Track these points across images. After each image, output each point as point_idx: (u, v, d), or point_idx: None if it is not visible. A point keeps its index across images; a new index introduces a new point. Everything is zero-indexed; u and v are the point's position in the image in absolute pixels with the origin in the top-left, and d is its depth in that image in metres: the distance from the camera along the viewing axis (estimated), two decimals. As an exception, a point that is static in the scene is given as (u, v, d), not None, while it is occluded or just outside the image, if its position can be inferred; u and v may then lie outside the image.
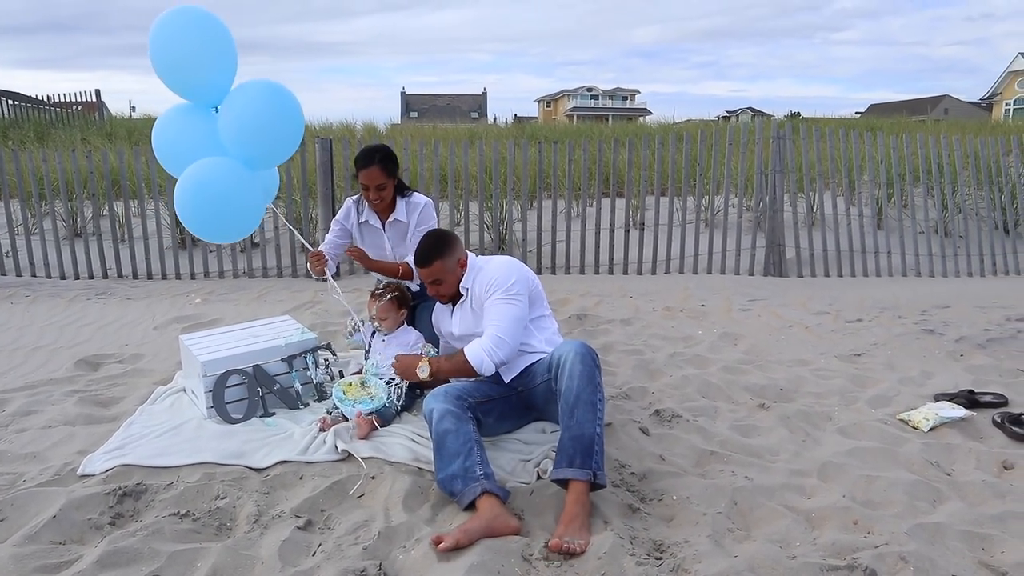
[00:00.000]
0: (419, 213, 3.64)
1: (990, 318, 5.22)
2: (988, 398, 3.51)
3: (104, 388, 3.77)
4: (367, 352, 3.41)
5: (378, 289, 3.41)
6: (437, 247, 2.92)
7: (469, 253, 3.06)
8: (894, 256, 7.95)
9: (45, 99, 18.68)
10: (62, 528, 2.35)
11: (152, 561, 2.17)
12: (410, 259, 3.70)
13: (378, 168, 3.47)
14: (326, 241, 3.81)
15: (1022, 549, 2.28)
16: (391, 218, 3.66)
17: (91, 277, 7.41)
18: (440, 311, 3.21)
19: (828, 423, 3.33)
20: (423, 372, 2.88)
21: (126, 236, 7.64)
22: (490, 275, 2.90)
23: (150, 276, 7.43)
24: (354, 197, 3.77)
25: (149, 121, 19.37)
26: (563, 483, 2.47)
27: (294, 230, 4.13)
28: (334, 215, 7.33)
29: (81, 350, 4.56)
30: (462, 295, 3.01)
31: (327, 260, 3.62)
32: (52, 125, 16.89)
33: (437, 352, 3.24)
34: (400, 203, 3.65)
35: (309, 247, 3.81)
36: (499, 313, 2.82)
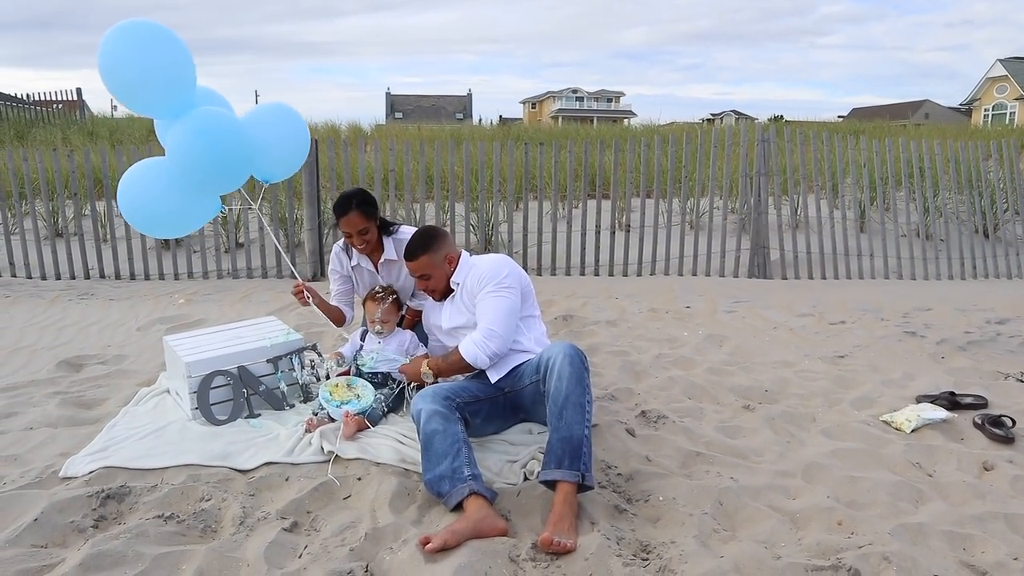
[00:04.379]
0: None
1: (970, 321, 5.29)
2: (969, 400, 3.55)
3: (87, 389, 3.73)
4: (358, 352, 3.40)
5: (378, 292, 3.40)
6: (423, 242, 2.98)
7: (464, 252, 3.09)
8: (876, 259, 8.04)
9: (25, 97, 18.46)
10: (44, 531, 2.33)
11: (136, 564, 2.15)
12: (413, 302, 3.73)
13: (357, 213, 3.37)
14: (332, 293, 3.76)
15: (1002, 549, 2.31)
16: (382, 259, 3.60)
17: (73, 277, 7.34)
18: (431, 306, 3.23)
19: (812, 424, 3.36)
20: (428, 379, 2.96)
21: (108, 236, 7.56)
22: (482, 270, 2.93)
23: (133, 276, 7.36)
24: (340, 243, 3.71)
25: (131, 120, 19.21)
26: (551, 484, 2.47)
27: (290, 265, 4.10)
28: (319, 215, 7.35)
29: (63, 351, 4.51)
30: (453, 290, 3.04)
31: (337, 309, 3.70)
32: (32, 124, 16.71)
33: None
34: (387, 242, 3.57)
35: (298, 277, 3.80)
36: (491, 306, 2.86)
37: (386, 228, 3.56)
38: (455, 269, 3.03)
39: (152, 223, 3.32)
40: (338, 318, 3.70)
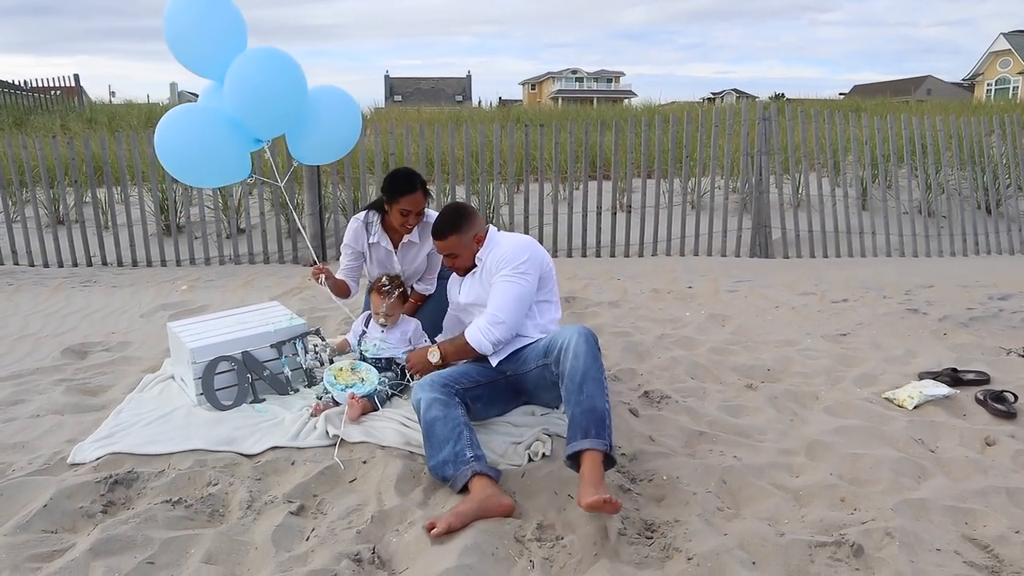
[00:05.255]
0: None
1: (972, 297, 5.29)
2: (971, 376, 3.56)
3: (92, 376, 3.75)
4: (361, 338, 3.42)
5: (384, 285, 3.36)
6: (453, 223, 2.93)
7: (491, 227, 3.05)
8: (878, 236, 8.02)
9: (23, 84, 18.36)
10: (53, 517, 2.35)
11: (145, 548, 2.18)
12: (420, 286, 3.76)
13: (421, 193, 3.45)
14: (341, 267, 3.78)
15: (1004, 523, 2.33)
16: (404, 240, 3.64)
17: (75, 265, 7.35)
18: (453, 279, 3.22)
19: (815, 402, 3.37)
20: (434, 357, 2.91)
21: (110, 223, 7.56)
22: (503, 251, 2.89)
23: (135, 263, 7.37)
24: (360, 216, 3.72)
25: (129, 106, 19.15)
26: (575, 459, 2.41)
27: (311, 248, 4.09)
28: (320, 200, 7.33)
29: (67, 339, 4.53)
30: (476, 266, 3.01)
31: (343, 283, 3.71)
32: (30, 111, 16.63)
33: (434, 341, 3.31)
34: None
35: (317, 260, 3.82)
36: (501, 292, 2.83)
37: None
38: (482, 248, 2.99)
39: (185, 165, 3.32)
40: (344, 292, 3.72)
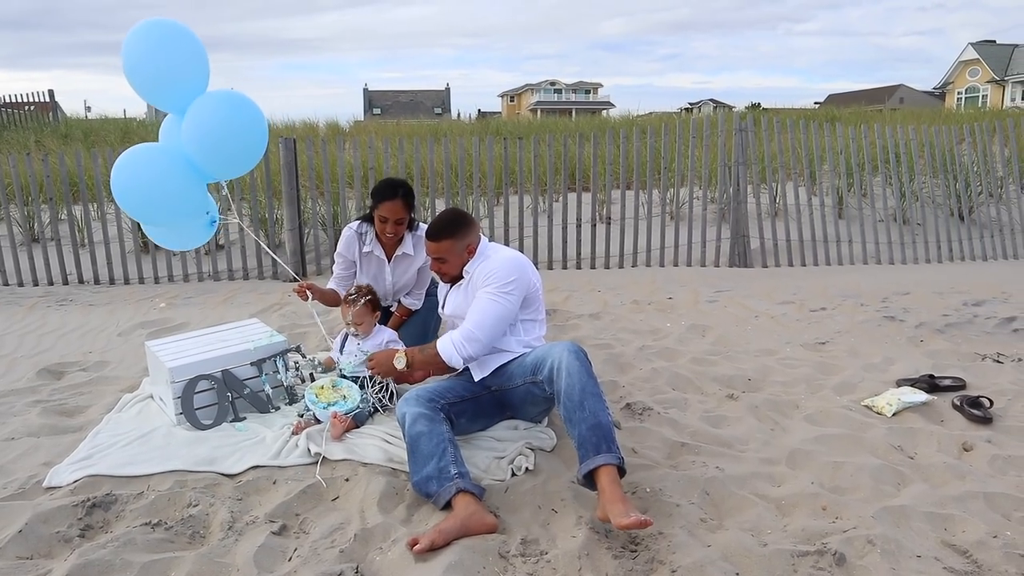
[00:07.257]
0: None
1: (948, 303, 5.36)
2: (947, 382, 3.60)
3: (68, 397, 3.69)
4: (340, 354, 3.40)
5: (351, 294, 3.37)
6: (451, 227, 2.88)
7: (483, 238, 3.02)
8: (855, 244, 8.12)
9: (-4, 100, 18.14)
10: (29, 543, 2.30)
11: (125, 572, 2.14)
12: (407, 300, 3.76)
13: (401, 202, 3.49)
14: (334, 276, 3.79)
15: (982, 528, 2.36)
16: (399, 252, 3.65)
17: (51, 283, 7.25)
18: (442, 286, 3.19)
19: (795, 411, 3.40)
20: (400, 363, 2.86)
21: (86, 240, 7.48)
22: (492, 267, 2.84)
23: (112, 281, 7.29)
24: (354, 226, 3.72)
25: (105, 122, 18.95)
26: (590, 478, 2.40)
27: (287, 268, 4.06)
28: (299, 215, 7.29)
29: (43, 359, 4.46)
30: (463, 277, 2.98)
31: (333, 293, 3.71)
32: (4, 127, 16.43)
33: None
34: (408, 237, 3.67)
35: (299, 279, 3.81)
36: (481, 309, 2.80)
37: (410, 224, 3.66)
38: (471, 259, 2.95)
39: (143, 207, 3.30)
40: (333, 301, 3.70)
